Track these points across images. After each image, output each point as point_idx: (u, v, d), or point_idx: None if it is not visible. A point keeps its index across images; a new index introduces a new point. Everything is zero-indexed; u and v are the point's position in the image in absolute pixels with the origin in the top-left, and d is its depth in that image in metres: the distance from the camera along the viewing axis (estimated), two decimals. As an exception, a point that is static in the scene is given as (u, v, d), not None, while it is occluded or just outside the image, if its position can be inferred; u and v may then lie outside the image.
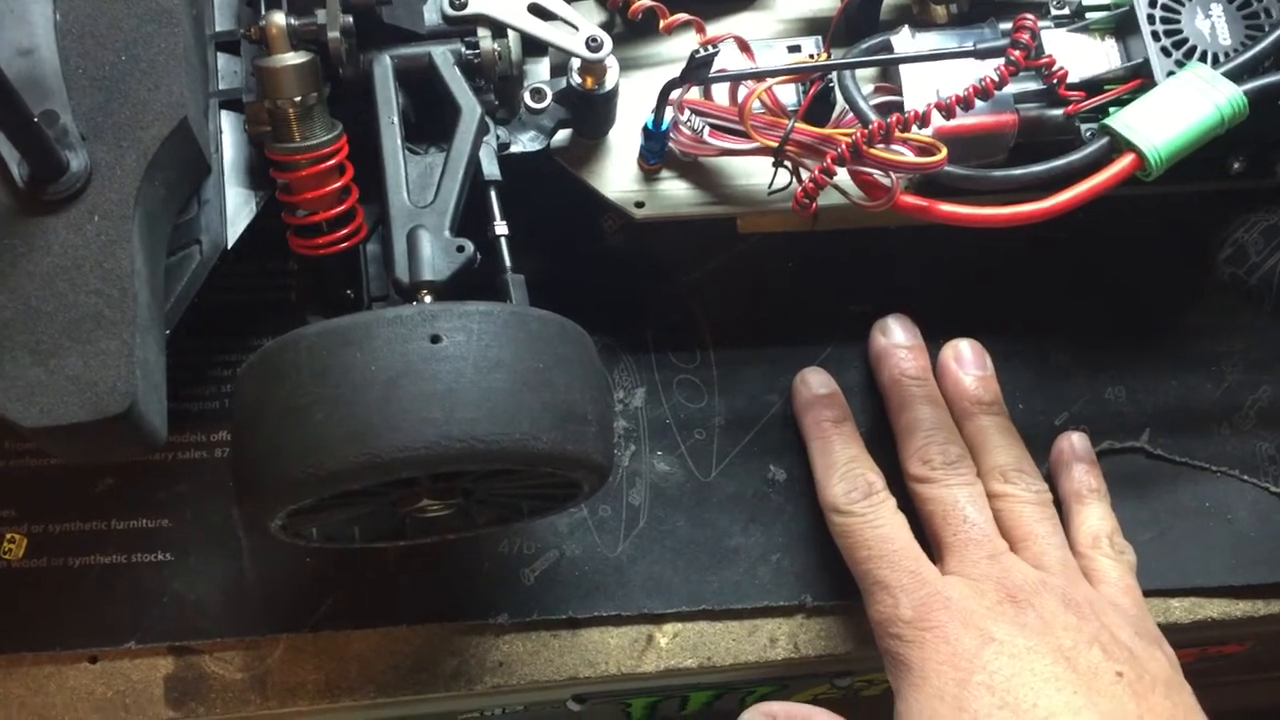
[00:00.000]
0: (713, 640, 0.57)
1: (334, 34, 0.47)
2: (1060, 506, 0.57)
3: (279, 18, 0.47)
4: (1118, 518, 0.58)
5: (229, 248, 0.51)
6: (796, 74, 0.52)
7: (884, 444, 0.57)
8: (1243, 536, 0.58)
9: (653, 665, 0.56)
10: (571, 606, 0.56)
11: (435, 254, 0.46)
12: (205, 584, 0.56)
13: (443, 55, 0.50)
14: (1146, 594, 0.57)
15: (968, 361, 0.58)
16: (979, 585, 0.51)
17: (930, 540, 0.54)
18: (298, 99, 0.47)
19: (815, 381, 0.58)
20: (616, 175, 0.56)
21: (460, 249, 0.47)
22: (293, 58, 0.47)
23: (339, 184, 0.49)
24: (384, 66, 0.49)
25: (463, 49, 0.50)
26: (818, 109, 0.54)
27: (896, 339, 0.59)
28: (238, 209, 0.52)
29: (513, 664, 0.56)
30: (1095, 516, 0.56)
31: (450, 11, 0.50)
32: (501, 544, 0.57)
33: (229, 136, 0.53)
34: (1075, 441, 0.58)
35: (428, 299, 0.46)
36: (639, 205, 0.56)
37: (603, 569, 0.57)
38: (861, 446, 0.56)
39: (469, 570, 0.56)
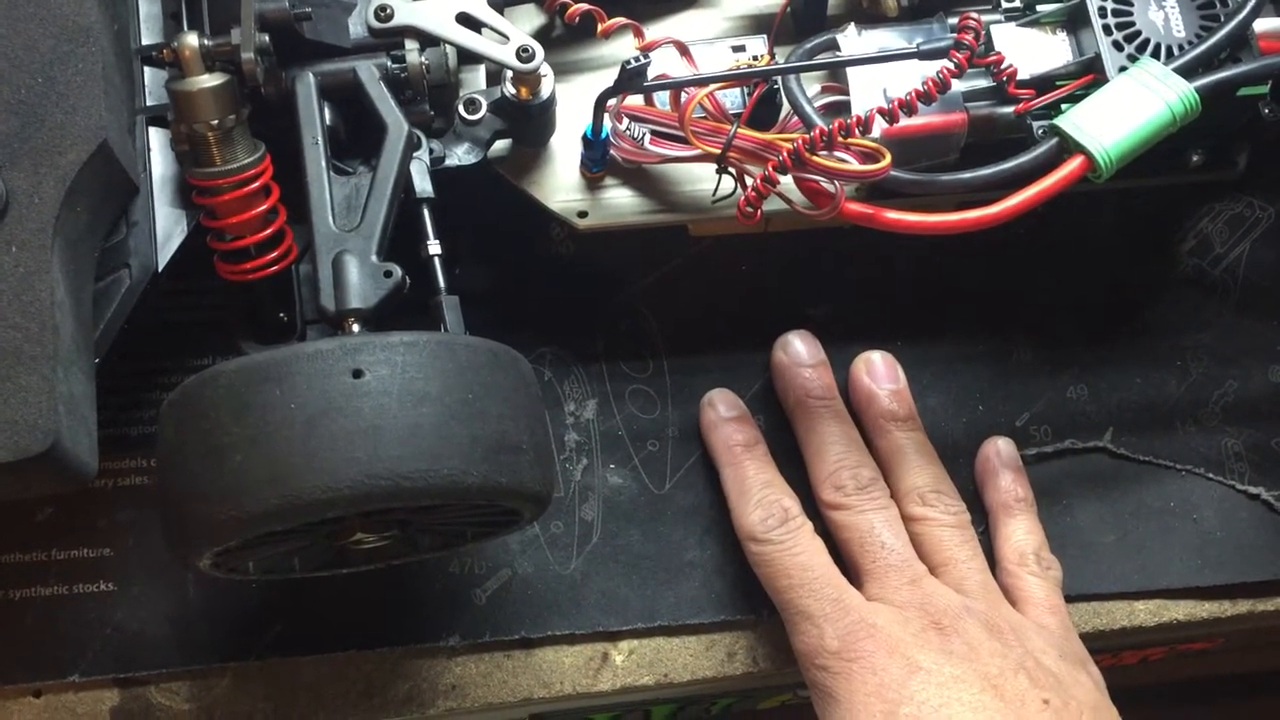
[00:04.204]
0: (669, 656, 0.56)
1: (248, 55, 0.45)
2: (986, 515, 0.56)
3: (191, 39, 0.45)
4: (1080, 519, 0.57)
5: (159, 270, 0.50)
6: (733, 80, 0.50)
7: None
8: (1208, 536, 0.57)
9: (608, 684, 0.55)
10: (524, 626, 0.55)
11: (362, 280, 0.45)
12: (149, 614, 0.54)
13: (368, 70, 0.48)
14: (1109, 597, 0.57)
15: (880, 374, 0.57)
16: (903, 612, 0.50)
17: (849, 566, 0.53)
18: (215, 122, 0.45)
19: (723, 404, 0.57)
20: (559, 185, 0.55)
21: (388, 274, 0.45)
22: (208, 80, 0.45)
23: (264, 207, 0.47)
24: (307, 84, 0.48)
25: (389, 63, 0.49)
26: (764, 111, 0.53)
27: (799, 357, 0.57)
28: (168, 229, 0.51)
29: (466, 686, 0.55)
30: (1022, 531, 0.55)
31: (375, 24, 0.49)
32: (452, 564, 0.56)
33: (158, 154, 0.51)
34: (1001, 447, 0.57)
35: (355, 328, 0.45)
36: (582, 215, 0.54)
37: (556, 587, 0.56)
38: (775, 470, 0.55)
39: (419, 592, 0.55)
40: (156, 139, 0.51)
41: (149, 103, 0.51)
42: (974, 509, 0.57)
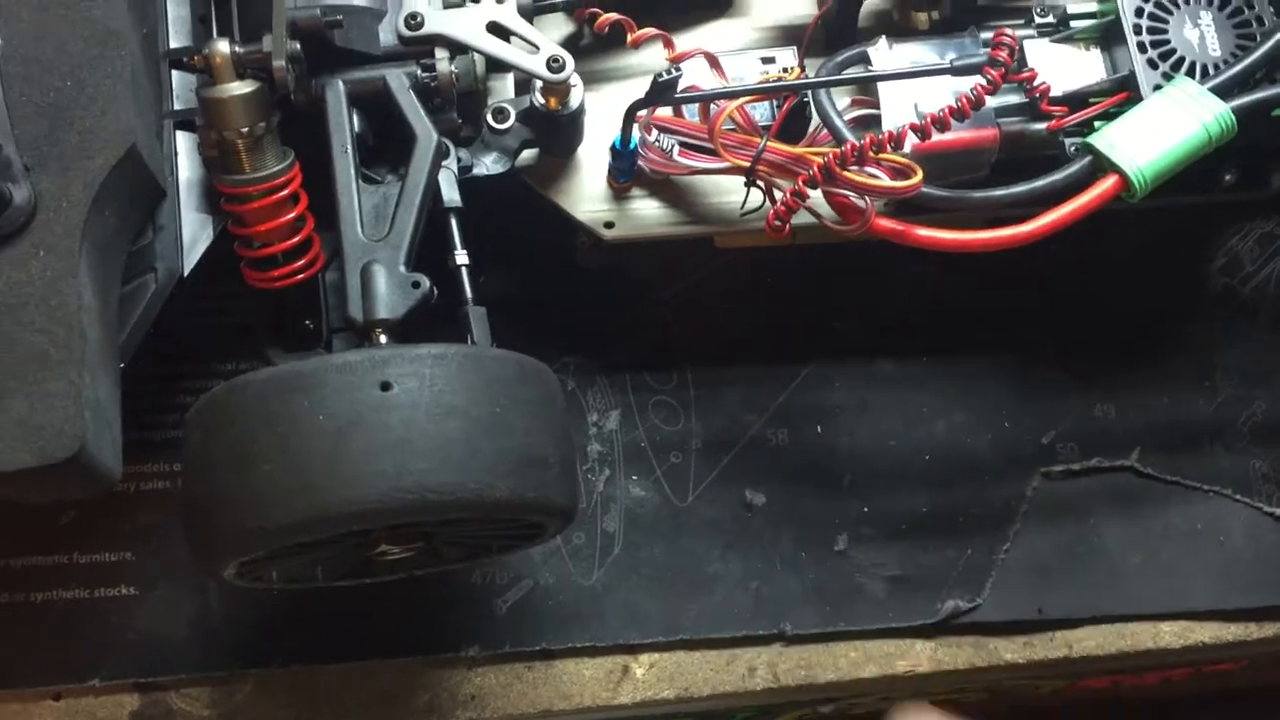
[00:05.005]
0: (690, 670, 0.55)
1: (279, 63, 0.45)
2: None
3: (223, 46, 0.45)
4: (1107, 539, 0.57)
5: (185, 275, 0.50)
6: (764, 94, 0.50)
7: (871, 478, 0.56)
8: (1235, 558, 0.57)
9: (629, 697, 0.55)
10: (545, 637, 0.55)
11: (390, 291, 0.45)
12: (171, 619, 0.54)
13: (398, 79, 0.48)
14: (1134, 618, 0.56)
15: None
16: None
17: None
18: (245, 129, 0.45)
19: None
20: (586, 194, 0.54)
21: (416, 285, 0.45)
22: (239, 88, 0.45)
23: (292, 215, 0.47)
24: (337, 92, 0.48)
25: (419, 72, 0.49)
26: (793, 124, 0.52)
27: None
28: (195, 233, 0.50)
29: (485, 697, 0.55)
30: None
31: (406, 32, 0.49)
32: (473, 574, 0.56)
33: (185, 158, 0.51)
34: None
35: (382, 338, 0.44)
36: (609, 226, 0.54)
37: (577, 598, 0.55)
38: None
39: (440, 602, 0.55)
40: (183, 143, 0.51)
41: (176, 106, 0.51)
42: (996, 528, 0.56)
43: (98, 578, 0.55)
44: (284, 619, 0.54)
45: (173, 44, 0.52)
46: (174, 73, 0.51)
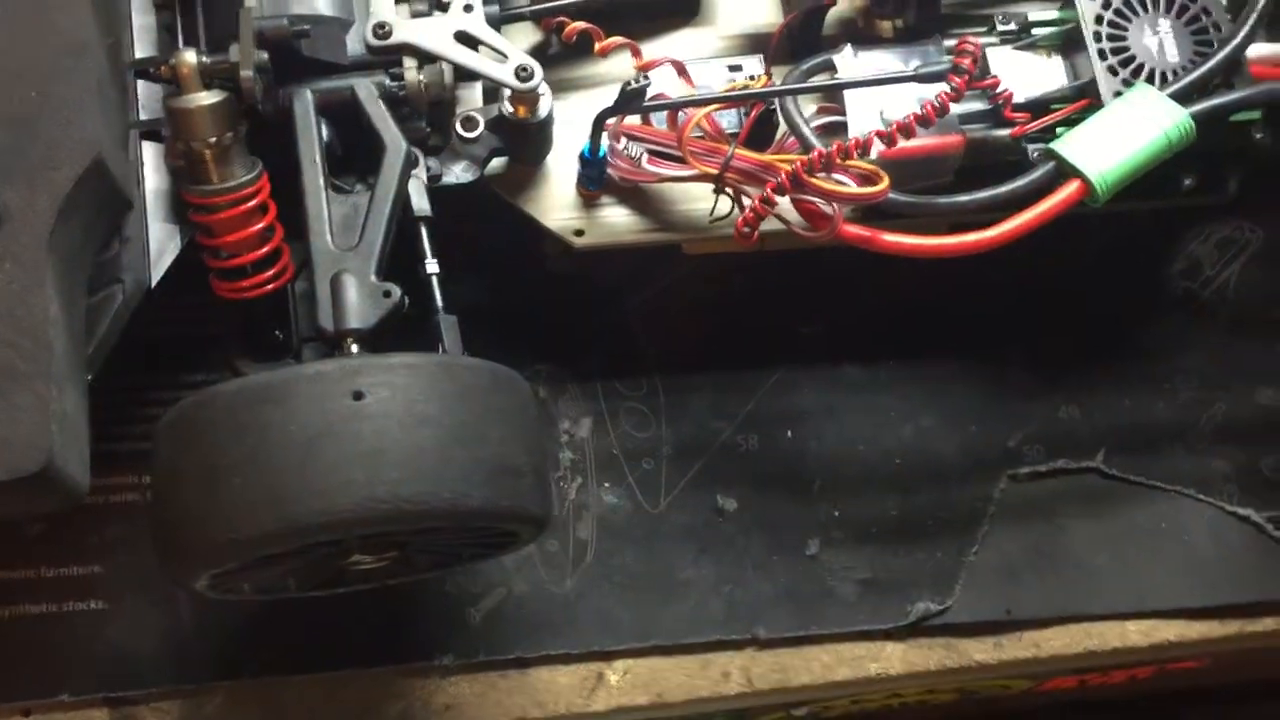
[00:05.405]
0: (664, 676, 0.56)
1: (247, 72, 0.45)
2: None
3: (190, 56, 0.45)
4: (1073, 540, 0.58)
5: (153, 286, 0.49)
6: (731, 101, 0.50)
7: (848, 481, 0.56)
8: (1199, 557, 0.57)
9: (603, 704, 0.55)
10: (519, 646, 0.55)
11: (361, 300, 0.45)
12: (140, 631, 0.54)
13: (366, 89, 0.48)
14: (1101, 618, 0.57)
15: None
16: None
17: None
18: (212, 140, 0.45)
19: None
20: (555, 203, 0.54)
21: (387, 294, 0.45)
22: (206, 98, 0.45)
23: (261, 225, 0.47)
24: (304, 102, 0.48)
25: (387, 80, 0.49)
26: (760, 131, 0.53)
27: None
28: (162, 244, 0.50)
29: (460, 706, 0.55)
30: None
31: (373, 41, 0.49)
32: (446, 583, 0.55)
33: (152, 168, 0.51)
34: None
35: (353, 348, 0.44)
36: (579, 234, 0.54)
37: (551, 606, 0.55)
38: None
39: (413, 611, 0.55)
40: (149, 153, 0.51)
41: (142, 116, 0.51)
42: (964, 530, 0.57)
43: (66, 591, 0.54)
44: (255, 630, 0.54)
45: (139, 53, 0.51)
46: (140, 82, 0.51)
